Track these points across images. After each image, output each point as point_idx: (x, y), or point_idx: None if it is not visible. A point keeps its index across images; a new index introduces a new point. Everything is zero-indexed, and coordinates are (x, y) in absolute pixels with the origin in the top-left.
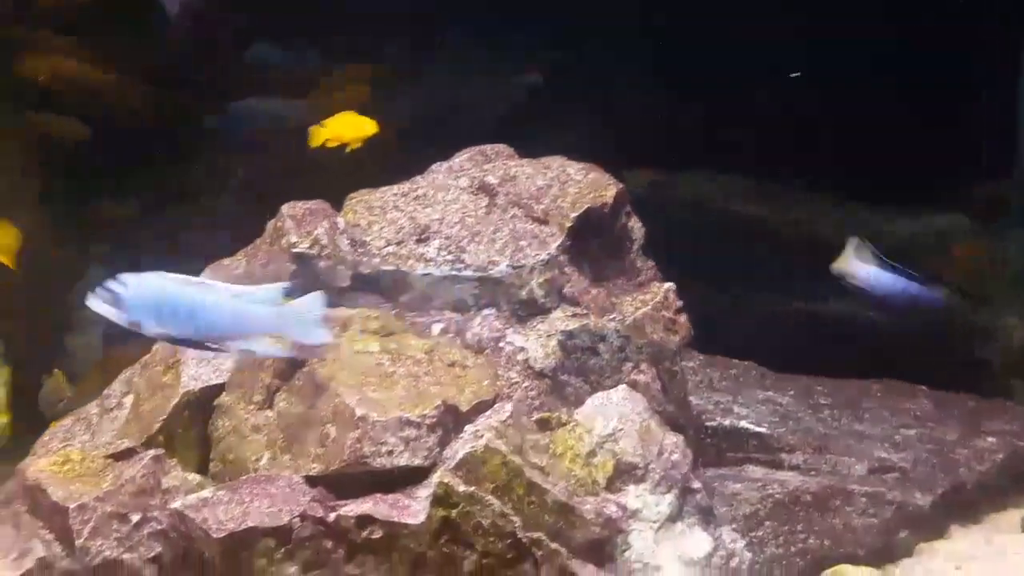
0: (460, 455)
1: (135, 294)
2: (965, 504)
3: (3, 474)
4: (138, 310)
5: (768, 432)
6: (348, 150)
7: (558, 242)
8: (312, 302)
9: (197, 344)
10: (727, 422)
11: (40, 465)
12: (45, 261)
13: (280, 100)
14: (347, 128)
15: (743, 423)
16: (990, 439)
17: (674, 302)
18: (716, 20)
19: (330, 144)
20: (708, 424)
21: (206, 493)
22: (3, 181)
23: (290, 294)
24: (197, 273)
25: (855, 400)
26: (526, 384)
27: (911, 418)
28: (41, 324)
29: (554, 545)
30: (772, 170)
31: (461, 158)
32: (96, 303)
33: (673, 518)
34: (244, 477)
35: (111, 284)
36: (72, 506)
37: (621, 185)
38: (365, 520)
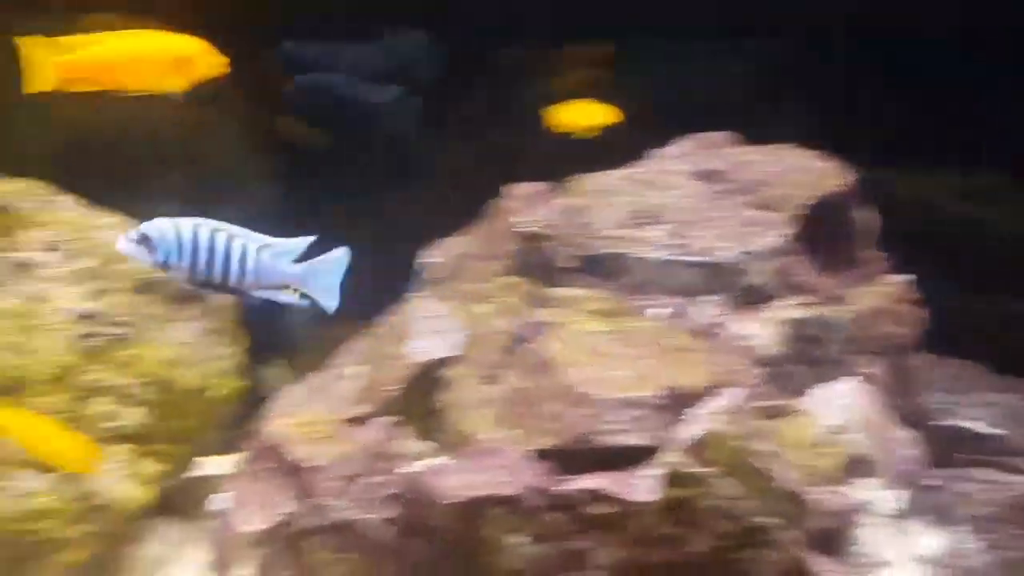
0: (688, 437)
1: (166, 237)
2: None
3: (235, 436)
4: (168, 252)
5: (999, 434)
6: (591, 136)
7: (786, 230)
8: (335, 262)
9: (222, 288)
10: (954, 423)
11: (282, 426)
12: None
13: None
14: (583, 115)
15: (971, 424)
16: None
17: (908, 295)
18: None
19: (563, 131)
20: (934, 424)
21: (438, 461)
22: (248, 177)
23: (313, 247)
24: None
25: None
26: (750, 372)
27: None
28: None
29: (783, 533)
30: (993, 168)
31: (686, 143)
32: (125, 245)
33: (905, 514)
34: (473, 448)
35: (142, 226)
36: (312, 466)
37: (855, 175)
38: (595, 495)
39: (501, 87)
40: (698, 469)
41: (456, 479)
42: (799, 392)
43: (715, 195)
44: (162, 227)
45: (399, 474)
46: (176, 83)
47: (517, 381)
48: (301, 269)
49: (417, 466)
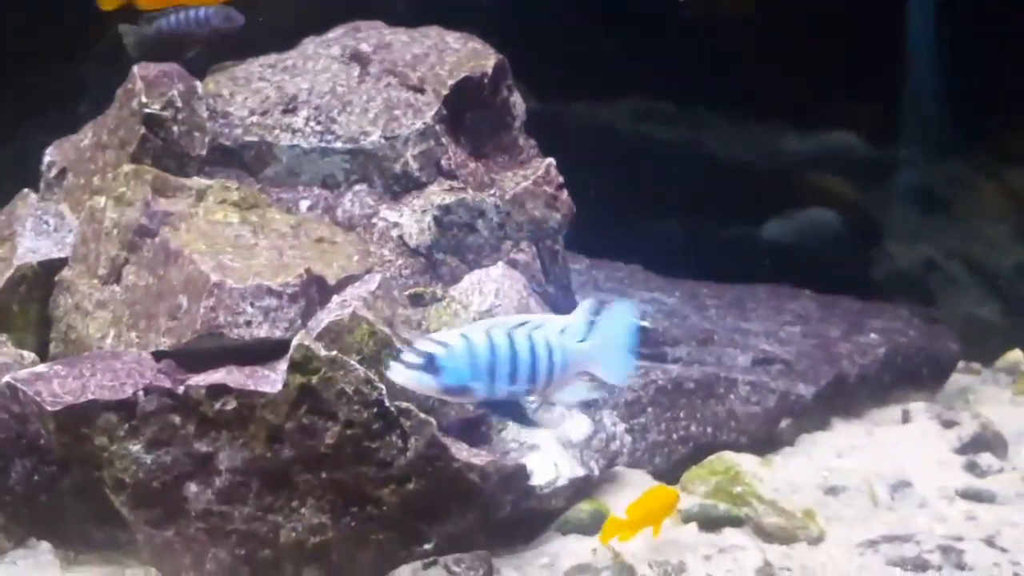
0: (324, 323)
1: (456, 355)
2: (848, 397)
3: None
4: (457, 373)
5: (653, 327)
6: None
7: (434, 110)
8: (619, 317)
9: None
10: None
11: None
12: None
13: None
14: None
15: None
16: (872, 335)
17: (556, 178)
18: None
19: None
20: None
21: (41, 368)
22: None
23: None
24: None
25: (741, 301)
26: (400, 261)
27: (795, 317)
28: None
29: (424, 415)
30: None
31: (335, 31)
32: (403, 374)
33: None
34: (86, 354)
35: (422, 344)
36: None
37: (501, 56)
38: (217, 390)
39: None
40: (332, 352)
41: (62, 384)
42: (449, 280)
43: (363, 78)
44: (450, 343)
45: None
46: None
47: (140, 278)
48: (588, 349)
49: (18, 373)
